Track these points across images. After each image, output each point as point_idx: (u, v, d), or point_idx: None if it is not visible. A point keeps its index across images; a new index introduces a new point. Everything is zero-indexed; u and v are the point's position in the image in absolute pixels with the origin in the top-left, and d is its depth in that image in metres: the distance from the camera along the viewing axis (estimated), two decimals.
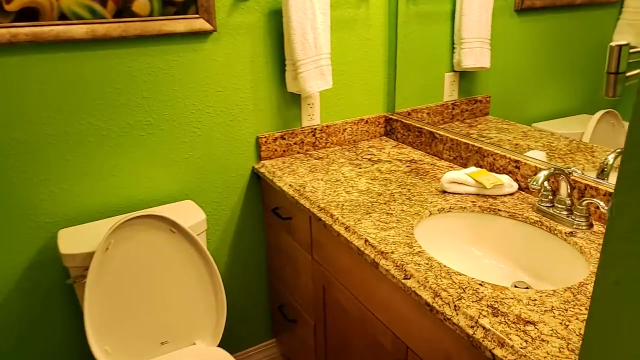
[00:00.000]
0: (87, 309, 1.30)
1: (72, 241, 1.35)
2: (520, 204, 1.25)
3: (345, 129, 1.82)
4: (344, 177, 1.51)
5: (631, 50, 0.60)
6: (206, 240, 1.57)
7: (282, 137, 1.71)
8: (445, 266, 0.98)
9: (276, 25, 1.60)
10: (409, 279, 0.96)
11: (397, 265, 1.01)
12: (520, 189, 1.34)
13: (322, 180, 1.49)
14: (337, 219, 1.24)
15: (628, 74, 0.60)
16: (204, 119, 1.57)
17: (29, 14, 1.25)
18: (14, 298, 1.45)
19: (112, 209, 1.51)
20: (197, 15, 1.45)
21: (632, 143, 0.34)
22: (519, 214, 1.20)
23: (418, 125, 1.72)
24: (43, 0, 1.25)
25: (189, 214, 1.49)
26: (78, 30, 1.31)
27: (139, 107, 1.46)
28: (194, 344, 1.47)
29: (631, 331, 0.36)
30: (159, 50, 1.44)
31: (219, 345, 1.78)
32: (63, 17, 1.29)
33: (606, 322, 0.38)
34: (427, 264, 0.99)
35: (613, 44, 0.60)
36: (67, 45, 1.32)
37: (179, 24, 1.43)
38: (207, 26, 1.46)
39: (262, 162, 1.69)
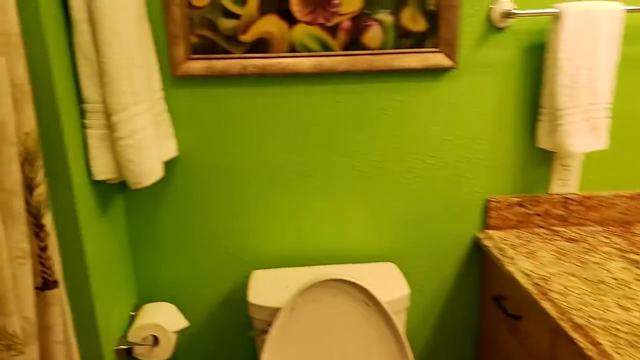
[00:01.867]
0: None
1: (261, 290, 1.24)
2: None
3: (615, 203, 1.32)
4: (614, 278, 1.05)
5: None
6: (405, 320, 1.28)
7: (520, 204, 1.32)
8: None
9: (533, 64, 1.24)
10: None
11: None
12: None
13: (576, 276, 1.06)
14: (605, 351, 0.81)
15: None
16: (420, 171, 1.30)
17: (259, 45, 1.18)
18: (204, 335, 1.40)
19: (308, 257, 1.35)
20: (436, 49, 1.20)
21: None
22: None
23: None
24: (275, 32, 1.18)
25: (389, 283, 1.24)
26: (305, 63, 1.19)
27: (347, 148, 1.27)
28: None
29: None
30: (382, 88, 1.23)
31: None
32: (292, 49, 1.19)
33: None
34: None
35: None
36: (290, 79, 1.22)
37: (411, 59, 1.20)
38: (445, 62, 1.20)
39: (489, 232, 1.33)
